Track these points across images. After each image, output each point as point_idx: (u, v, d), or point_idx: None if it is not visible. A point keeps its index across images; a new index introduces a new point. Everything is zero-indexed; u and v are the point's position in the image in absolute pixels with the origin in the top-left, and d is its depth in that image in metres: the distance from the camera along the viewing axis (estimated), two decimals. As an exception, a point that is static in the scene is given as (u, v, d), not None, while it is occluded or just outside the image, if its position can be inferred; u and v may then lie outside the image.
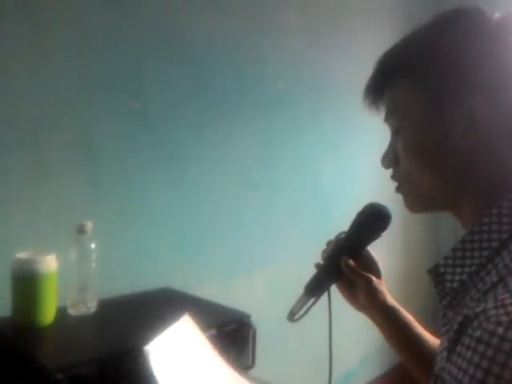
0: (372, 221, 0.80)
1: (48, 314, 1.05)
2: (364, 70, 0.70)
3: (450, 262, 0.61)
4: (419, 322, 0.83)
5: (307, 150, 1.86)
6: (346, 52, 1.96)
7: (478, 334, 0.49)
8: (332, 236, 0.85)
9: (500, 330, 0.47)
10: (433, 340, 0.81)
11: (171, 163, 1.45)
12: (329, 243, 0.84)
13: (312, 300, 0.82)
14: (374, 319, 0.83)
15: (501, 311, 0.48)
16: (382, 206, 0.80)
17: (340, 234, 0.83)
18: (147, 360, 0.87)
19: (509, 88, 0.59)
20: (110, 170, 1.32)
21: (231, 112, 1.59)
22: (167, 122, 1.44)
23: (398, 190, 0.68)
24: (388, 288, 0.83)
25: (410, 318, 0.82)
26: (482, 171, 0.61)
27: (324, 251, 0.84)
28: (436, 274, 0.63)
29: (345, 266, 0.79)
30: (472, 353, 0.49)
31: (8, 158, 1.14)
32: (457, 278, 0.60)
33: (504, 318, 0.48)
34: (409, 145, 0.64)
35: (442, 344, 0.63)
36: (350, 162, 2.03)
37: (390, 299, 0.82)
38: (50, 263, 1.04)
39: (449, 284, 0.61)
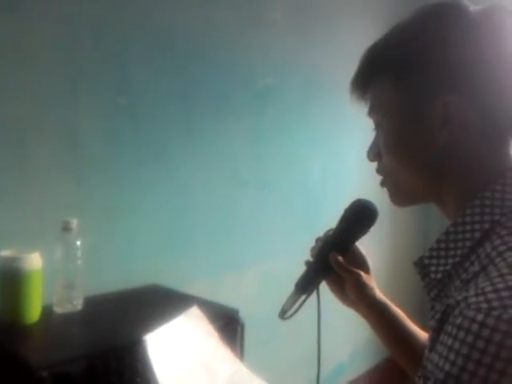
0: (359, 217, 0.80)
1: (33, 311, 1.04)
2: (353, 66, 0.70)
3: (435, 253, 0.62)
4: (408, 317, 0.83)
5: (296, 146, 1.85)
6: (335, 48, 1.95)
7: (458, 321, 0.49)
8: (321, 232, 0.84)
9: (480, 317, 0.48)
10: (422, 334, 0.81)
11: (159, 160, 1.44)
12: (317, 240, 0.84)
13: (303, 297, 0.82)
14: (363, 314, 0.83)
15: (481, 298, 0.49)
16: (368, 201, 0.81)
17: (328, 230, 0.83)
18: (145, 351, 0.87)
19: (487, 83, 0.59)
20: (96, 168, 1.31)
21: (220, 108, 1.58)
22: (155, 119, 1.43)
23: (382, 184, 0.69)
24: (377, 283, 0.83)
25: (399, 312, 0.82)
26: (461, 164, 0.61)
27: (313, 248, 0.84)
28: (422, 266, 0.63)
29: (334, 262, 0.79)
30: (452, 340, 0.49)
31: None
32: (441, 268, 0.61)
33: (484, 305, 0.48)
34: (388, 140, 0.65)
35: (429, 337, 0.63)
36: (338, 158, 2.03)
37: (379, 294, 0.82)
38: (34, 261, 1.03)
39: (433, 275, 0.61)
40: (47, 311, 1.08)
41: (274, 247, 1.77)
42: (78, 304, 1.12)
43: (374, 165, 0.70)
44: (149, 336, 0.89)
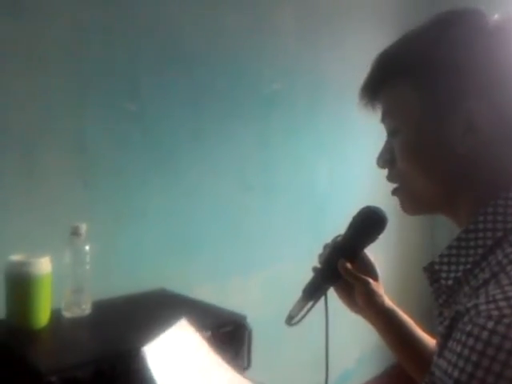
0: (368, 224, 0.79)
1: (42, 316, 1.05)
2: (360, 71, 0.70)
3: (445, 259, 0.61)
4: (417, 324, 0.83)
5: (303, 151, 1.85)
6: (342, 53, 1.95)
7: (468, 328, 0.49)
8: (328, 238, 0.84)
9: (490, 324, 0.48)
10: (430, 341, 0.81)
11: (167, 165, 1.45)
12: (326, 247, 0.84)
13: (310, 303, 0.81)
14: (371, 321, 0.82)
15: (491, 306, 0.49)
16: (377, 208, 0.80)
17: (337, 237, 0.83)
18: (144, 361, 0.87)
19: (507, 90, 0.59)
20: (104, 172, 1.31)
21: (227, 113, 1.59)
22: (163, 124, 1.43)
23: (394, 193, 0.68)
24: (385, 290, 0.83)
25: (407, 319, 0.82)
26: (480, 173, 0.61)
27: (321, 255, 0.83)
28: (431, 272, 0.63)
29: (342, 269, 0.79)
30: (462, 347, 0.49)
31: (1, 160, 1.14)
32: (452, 275, 0.60)
33: (494, 313, 0.48)
34: (406, 147, 0.64)
35: (437, 343, 0.63)
36: (346, 163, 2.02)
37: (388, 301, 0.81)
38: (43, 265, 1.04)
39: (444, 281, 0.61)
40: (56, 315, 1.08)
41: (281, 252, 1.76)
42: (86, 308, 1.12)
43: (382, 171, 0.69)
44: (146, 347, 0.89)
